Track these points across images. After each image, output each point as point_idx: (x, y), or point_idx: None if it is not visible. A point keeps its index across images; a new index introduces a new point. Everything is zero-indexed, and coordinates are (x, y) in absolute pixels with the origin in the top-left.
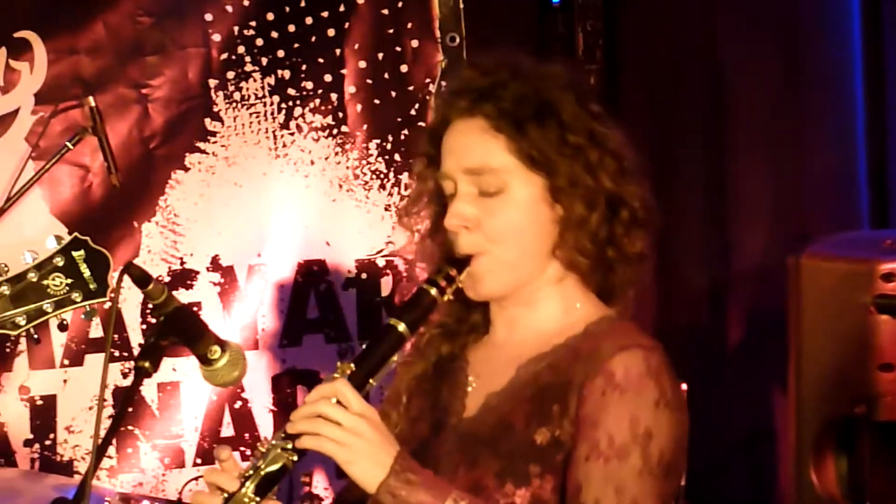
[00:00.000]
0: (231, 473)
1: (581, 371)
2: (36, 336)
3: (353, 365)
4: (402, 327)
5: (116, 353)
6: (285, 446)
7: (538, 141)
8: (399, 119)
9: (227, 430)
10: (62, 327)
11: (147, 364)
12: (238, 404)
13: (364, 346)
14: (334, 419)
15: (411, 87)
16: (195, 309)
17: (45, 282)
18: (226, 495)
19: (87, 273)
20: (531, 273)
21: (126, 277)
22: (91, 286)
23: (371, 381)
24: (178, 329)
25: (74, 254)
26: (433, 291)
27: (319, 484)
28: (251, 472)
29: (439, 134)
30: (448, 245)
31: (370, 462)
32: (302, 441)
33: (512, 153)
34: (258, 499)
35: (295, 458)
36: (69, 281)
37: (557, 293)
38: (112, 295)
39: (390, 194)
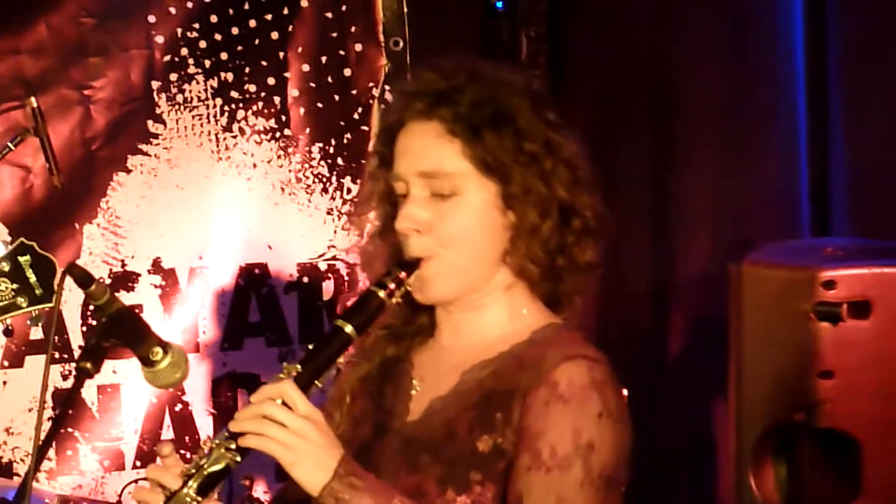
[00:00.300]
0: (173, 471)
1: (525, 379)
2: None
3: (299, 366)
4: (349, 329)
5: (56, 355)
6: (229, 446)
7: (493, 147)
8: (342, 123)
9: (168, 433)
10: (7, 333)
11: (89, 365)
12: (178, 407)
13: (311, 347)
14: (279, 420)
15: (355, 91)
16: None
17: None
18: (168, 493)
19: (32, 278)
20: (480, 279)
21: (67, 279)
22: (37, 291)
23: (317, 382)
24: (121, 330)
25: (20, 259)
26: (381, 294)
27: (259, 487)
28: (194, 470)
29: (393, 134)
30: (397, 246)
31: (314, 465)
32: (246, 440)
33: (466, 158)
34: (200, 498)
35: (238, 458)
36: (15, 286)
37: (505, 299)
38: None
39: (333, 198)
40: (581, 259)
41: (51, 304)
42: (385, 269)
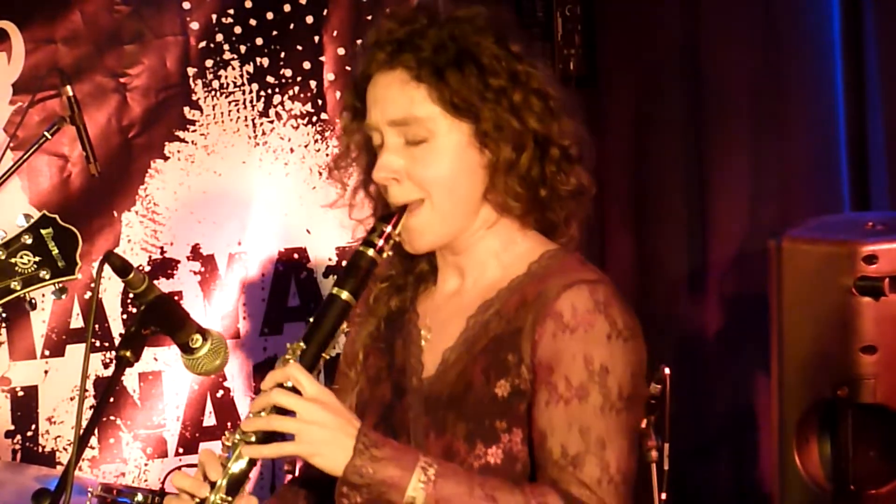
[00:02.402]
0: (198, 478)
1: (530, 316)
2: (4, 314)
3: (303, 343)
4: (345, 295)
5: (97, 344)
6: (248, 440)
7: (459, 88)
8: None
9: (209, 420)
10: (31, 306)
11: (128, 354)
12: (220, 393)
13: (310, 321)
14: (289, 408)
15: None
16: (176, 298)
17: (12, 260)
18: (197, 500)
19: (55, 251)
20: (465, 220)
21: (106, 267)
22: (59, 264)
23: (324, 355)
24: (160, 318)
25: (43, 231)
26: (370, 252)
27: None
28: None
29: (362, 87)
30: (381, 196)
31: (332, 448)
32: (259, 451)
33: (435, 102)
34: (230, 499)
35: None
36: (37, 259)
37: (493, 235)
38: (92, 284)
39: None
40: (564, 187)
41: (74, 277)
42: (371, 227)
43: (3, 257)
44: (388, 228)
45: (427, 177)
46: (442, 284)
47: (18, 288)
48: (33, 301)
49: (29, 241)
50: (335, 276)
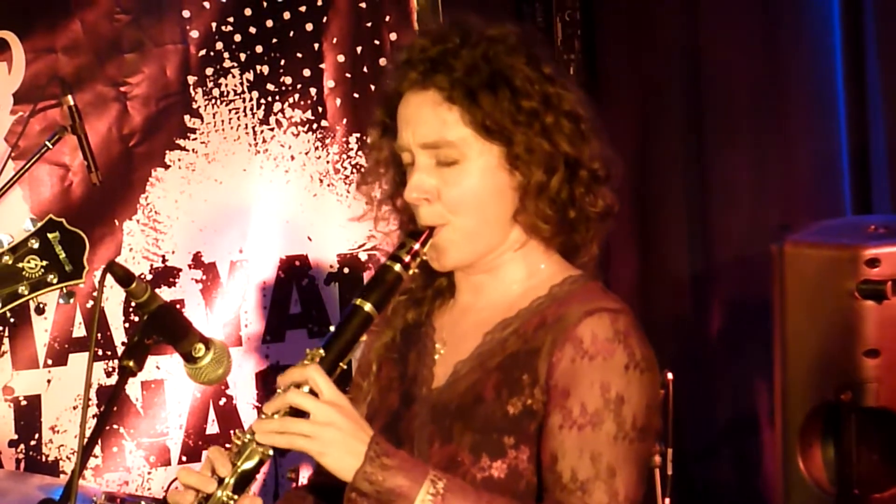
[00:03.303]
0: (205, 473)
1: (548, 338)
2: (13, 320)
3: (322, 350)
4: (368, 307)
5: (100, 352)
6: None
7: (492, 110)
8: None
9: (212, 428)
10: (39, 311)
11: (132, 363)
12: (223, 401)
13: (332, 329)
14: (305, 409)
15: None
16: (178, 306)
17: (19, 264)
18: (203, 496)
19: (62, 255)
20: (494, 241)
21: (108, 276)
22: (67, 268)
23: (341, 364)
24: (162, 327)
25: (49, 236)
26: (397, 268)
27: (305, 479)
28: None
29: (393, 104)
30: (408, 211)
31: (344, 451)
32: (272, 440)
33: (467, 125)
34: (236, 497)
35: (270, 451)
36: (44, 263)
37: (520, 257)
38: (94, 293)
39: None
40: (592, 209)
41: (81, 281)
42: (399, 240)
43: (10, 262)
44: (417, 246)
45: (458, 198)
46: (459, 300)
47: (26, 293)
48: (41, 305)
49: (36, 246)
50: (336, 284)
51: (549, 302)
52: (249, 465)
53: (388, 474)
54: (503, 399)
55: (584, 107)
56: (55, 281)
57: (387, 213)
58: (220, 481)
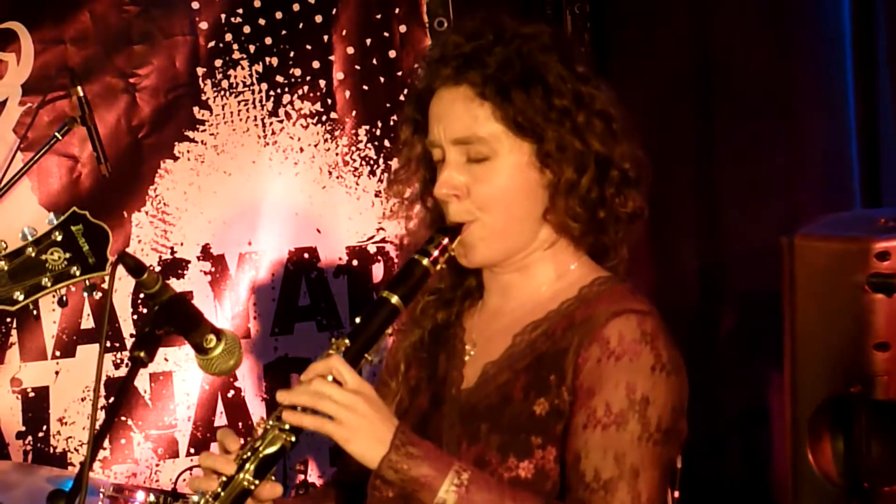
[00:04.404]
0: (227, 457)
1: (576, 338)
2: (35, 312)
3: (347, 341)
4: (395, 300)
5: (108, 344)
6: (283, 426)
7: (524, 107)
8: (388, 105)
9: (220, 420)
10: (61, 303)
11: (143, 354)
12: (231, 393)
13: (357, 321)
14: (330, 397)
15: (400, 73)
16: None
17: (43, 256)
18: (224, 479)
19: (85, 247)
20: (523, 239)
21: (119, 268)
22: (90, 260)
23: (366, 355)
24: (174, 318)
25: (73, 228)
26: (425, 262)
27: (313, 472)
28: (249, 454)
29: (424, 100)
30: (438, 210)
31: (370, 438)
32: (300, 419)
33: (498, 121)
34: (257, 481)
35: (293, 438)
36: (68, 255)
37: (550, 257)
38: (105, 285)
39: (380, 180)
40: (622, 210)
41: (104, 273)
42: (427, 237)
43: (33, 254)
44: (446, 241)
45: (488, 195)
46: (488, 301)
47: (49, 285)
48: (64, 298)
49: (59, 238)
50: (345, 276)
51: (578, 303)
52: (271, 450)
53: (413, 463)
54: (531, 400)
55: (616, 107)
56: (78, 273)
57: (418, 212)
58: (241, 466)
